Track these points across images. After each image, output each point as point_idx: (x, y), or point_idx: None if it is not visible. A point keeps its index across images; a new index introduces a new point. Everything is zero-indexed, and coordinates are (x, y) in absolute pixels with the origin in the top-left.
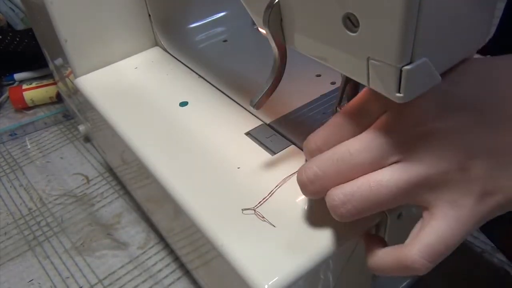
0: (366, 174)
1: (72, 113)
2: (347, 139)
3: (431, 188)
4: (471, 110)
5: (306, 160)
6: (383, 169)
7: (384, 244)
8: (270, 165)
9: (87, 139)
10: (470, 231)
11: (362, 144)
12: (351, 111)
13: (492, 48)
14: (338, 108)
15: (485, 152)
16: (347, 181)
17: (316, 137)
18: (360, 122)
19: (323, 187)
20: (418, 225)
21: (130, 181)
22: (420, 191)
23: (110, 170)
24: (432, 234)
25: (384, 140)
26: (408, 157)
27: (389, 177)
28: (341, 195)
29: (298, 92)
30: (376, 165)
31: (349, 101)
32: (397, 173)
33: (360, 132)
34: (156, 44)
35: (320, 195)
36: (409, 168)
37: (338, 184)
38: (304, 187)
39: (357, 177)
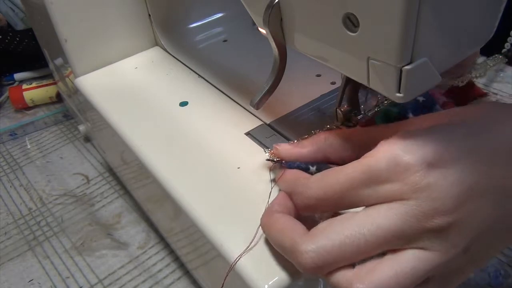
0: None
1: (72, 113)
2: (345, 208)
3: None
4: (490, 194)
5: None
6: (403, 255)
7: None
8: (270, 165)
9: (87, 139)
10: None
11: (381, 231)
12: (355, 184)
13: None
14: (338, 109)
15: (485, 232)
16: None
17: (310, 194)
18: (365, 199)
19: (330, 270)
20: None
21: (130, 181)
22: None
23: (110, 170)
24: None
25: (401, 231)
26: (424, 245)
27: (413, 266)
28: None
29: (298, 92)
30: (389, 247)
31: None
32: (419, 263)
33: (361, 206)
34: (156, 44)
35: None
36: (429, 257)
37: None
38: (310, 271)
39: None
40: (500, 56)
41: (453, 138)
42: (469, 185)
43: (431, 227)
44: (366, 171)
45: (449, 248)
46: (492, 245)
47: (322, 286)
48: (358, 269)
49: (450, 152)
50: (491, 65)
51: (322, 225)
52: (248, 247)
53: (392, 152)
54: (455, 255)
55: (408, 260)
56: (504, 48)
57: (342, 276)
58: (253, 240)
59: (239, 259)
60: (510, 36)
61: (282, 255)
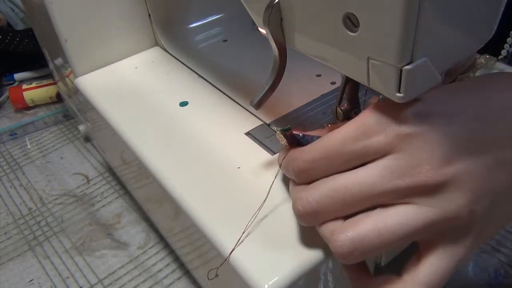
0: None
1: (72, 113)
2: (338, 169)
3: (438, 230)
4: (487, 151)
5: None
6: (391, 210)
7: (369, 275)
8: (270, 165)
9: (87, 139)
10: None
11: (365, 185)
12: (347, 141)
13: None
14: (338, 108)
15: (489, 193)
16: (345, 214)
17: (305, 158)
18: (356, 155)
19: (321, 220)
20: (413, 259)
21: (130, 181)
22: (427, 233)
23: (110, 170)
24: (430, 273)
25: (390, 186)
26: (417, 201)
27: (399, 222)
28: (349, 243)
29: (298, 92)
30: (378, 202)
31: (346, 128)
32: (407, 219)
33: (354, 165)
34: (156, 44)
35: (317, 224)
36: (419, 213)
37: (335, 217)
38: (301, 218)
39: (356, 210)
40: (487, 56)
41: (445, 92)
42: (463, 140)
43: (420, 182)
44: (358, 127)
45: (445, 205)
46: (504, 213)
47: (322, 285)
48: (347, 221)
49: (441, 105)
50: (480, 62)
51: (316, 181)
52: (240, 237)
53: (381, 107)
54: (454, 214)
55: (394, 215)
56: (504, 48)
57: (329, 226)
58: (244, 231)
59: (233, 250)
60: (510, 37)
61: (283, 255)
